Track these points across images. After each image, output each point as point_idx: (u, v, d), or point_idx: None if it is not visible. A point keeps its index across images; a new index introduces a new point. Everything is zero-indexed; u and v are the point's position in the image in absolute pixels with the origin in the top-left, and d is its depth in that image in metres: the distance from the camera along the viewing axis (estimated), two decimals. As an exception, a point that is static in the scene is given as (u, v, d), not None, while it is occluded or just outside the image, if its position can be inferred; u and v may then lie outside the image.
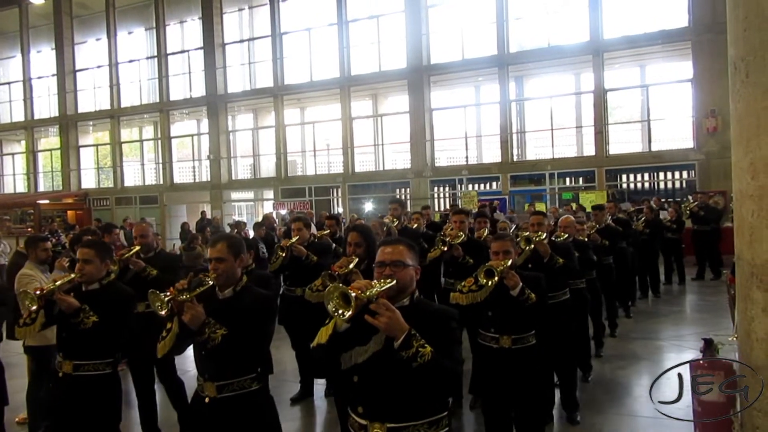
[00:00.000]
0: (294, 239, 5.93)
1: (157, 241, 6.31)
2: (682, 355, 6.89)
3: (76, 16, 25.54)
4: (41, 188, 27.10)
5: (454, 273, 6.07)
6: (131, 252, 5.23)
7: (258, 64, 22.82)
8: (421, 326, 2.33)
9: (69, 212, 24.63)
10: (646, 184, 18.14)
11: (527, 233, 5.17)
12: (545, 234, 5.27)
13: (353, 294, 2.25)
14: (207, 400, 3.04)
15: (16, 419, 5.63)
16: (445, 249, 5.88)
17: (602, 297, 7.63)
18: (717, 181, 15.65)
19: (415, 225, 7.81)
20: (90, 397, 3.66)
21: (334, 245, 7.08)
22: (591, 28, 17.48)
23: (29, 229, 21.05)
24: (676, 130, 19.07)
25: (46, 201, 24.73)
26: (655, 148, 18.05)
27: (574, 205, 15.75)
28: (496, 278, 4.00)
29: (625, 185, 18.30)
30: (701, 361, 3.99)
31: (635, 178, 18.17)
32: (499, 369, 3.95)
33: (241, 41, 23.27)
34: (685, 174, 17.28)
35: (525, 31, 19.30)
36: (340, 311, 2.28)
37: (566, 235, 5.90)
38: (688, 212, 12.23)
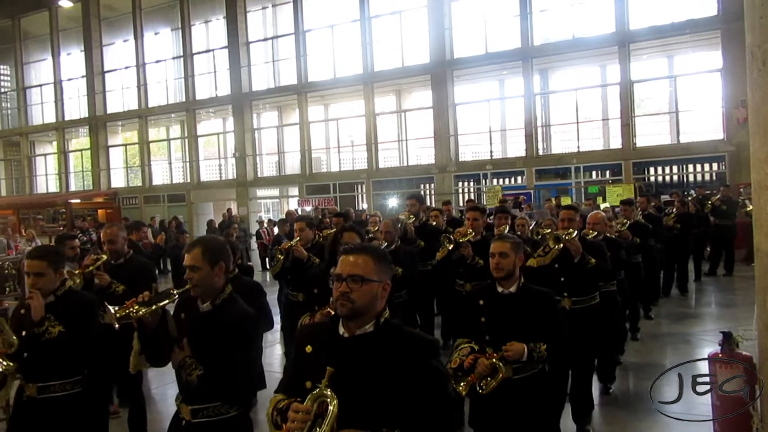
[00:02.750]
0: (295, 240, 5.55)
1: (147, 242, 6.00)
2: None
3: (104, 18, 25.98)
4: (72, 188, 27.65)
5: (464, 274, 5.71)
6: (96, 263, 4.73)
7: (282, 62, 22.95)
8: (389, 362, 1.99)
9: (99, 211, 25.06)
10: (675, 177, 17.81)
11: (549, 231, 4.93)
12: (576, 231, 4.83)
13: None
14: (183, 423, 2.78)
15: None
16: (451, 248, 5.58)
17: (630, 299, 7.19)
18: (748, 174, 15.17)
19: (434, 222, 7.38)
20: (59, 422, 3.27)
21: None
22: (617, 18, 17.19)
23: (61, 228, 21.46)
24: (705, 122, 18.71)
25: (77, 200, 25.20)
26: (683, 140, 17.72)
27: (600, 199, 15.56)
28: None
29: (653, 178, 17.99)
30: (720, 355, 3.91)
31: (663, 170, 17.84)
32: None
33: (265, 39, 23.42)
34: (714, 166, 16.92)
35: (549, 23, 19.05)
36: None
37: (595, 233, 5.48)
38: (710, 206, 11.94)
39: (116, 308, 2.69)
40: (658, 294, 9.68)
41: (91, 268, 4.65)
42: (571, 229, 4.79)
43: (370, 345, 2.04)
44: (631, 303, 7.61)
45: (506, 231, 5.99)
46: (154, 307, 2.69)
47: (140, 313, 2.65)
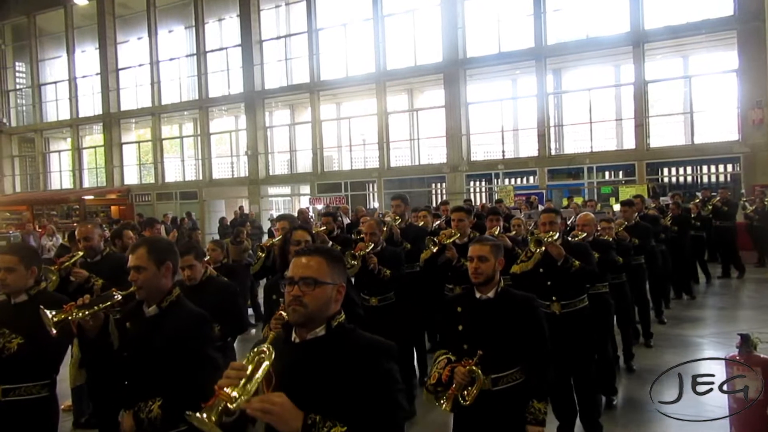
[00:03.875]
0: (277, 239, 5.34)
1: (131, 240, 5.82)
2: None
3: (119, 16, 26.14)
4: (86, 184, 27.84)
5: (452, 278, 5.57)
6: (72, 260, 4.61)
7: (294, 60, 22.99)
8: (340, 366, 1.90)
9: (112, 207, 25.26)
10: (689, 178, 17.68)
11: (537, 234, 4.75)
12: (558, 234, 4.68)
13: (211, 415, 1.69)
14: None
15: (62, 406, 5.70)
16: (435, 250, 5.46)
17: (633, 301, 6.98)
18: (763, 175, 15.16)
19: (422, 223, 7.13)
20: (21, 428, 3.08)
21: (331, 244, 6.36)
22: (631, 18, 17.08)
23: (74, 224, 21.62)
24: (720, 123, 18.52)
25: (91, 197, 25.41)
26: (698, 140, 17.54)
27: (612, 200, 15.41)
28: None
29: (666, 179, 17.87)
30: (737, 357, 3.87)
31: (677, 171, 17.72)
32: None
33: (278, 38, 23.46)
34: (729, 167, 16.78)
35: (563, 22, 18.95)
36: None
37: (584, 234, 5.39)
38: (710, 208, 11.80)
39: (53, 312, 2.51)
40: (669, 297, 9.43)
41: (66, 264, 4.52)
42: (551, 232, 4.63)
43: (320, 349, 1.95)
44: (641, 306, 7.46)
45: (497, 233, 5.79)
46: (95, 308, 2.53)
47: (79, 316, 2.47)
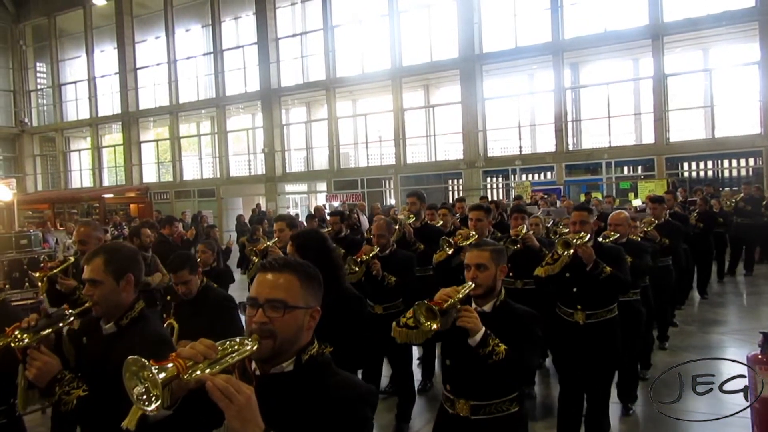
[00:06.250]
0: (272, 241, 5.19)
1: (149, 239, 5.60)
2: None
3: (137, 15, 26.37)
4: (106, 183, 28.16)
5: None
6: (62, 266, 4.24)
7: (310, 58, 23.03)
8: (309, 409, 1.58)
9: (131, 206, 25.48)
10: (709, 173, 17.45)
11: (565, 235, 4.37)
12: (589, 235, 4.19)
13: None
14: None
15: None
16: (450, 252, 5.01)
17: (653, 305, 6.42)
18: (786, 169, 14.92)
19: (440, 222, 6.63)
20: None
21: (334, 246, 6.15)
22: (650, 10, 16.87)
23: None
24: (741, 116, 18.21)
25: (111, 195, 25.67)
26: (718, 134, 17.28)
27: (631, 195, 15.23)
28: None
29: (686, 173, 17.64)
30: (759, 356, 3.80)
31: (697, 166, 17.50)
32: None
33: (294, 35, 23.51)
34: (751, 161, 16.52)
35: (580, 16, 18.74)
36: None
37: (616, 235, 4.89)
38: (732, 204, 11.55)
39: None
40: (684, 298, 9.10)
41: (55, 270, 4.16)
42: (582, 233, 4.15)
43: (285, 387, 1.61)
44: (660, 310, 6.88)
45: (524, 232, 5.37)
46: (42, 333, 2.19)
47: (24, 342, 2.13)
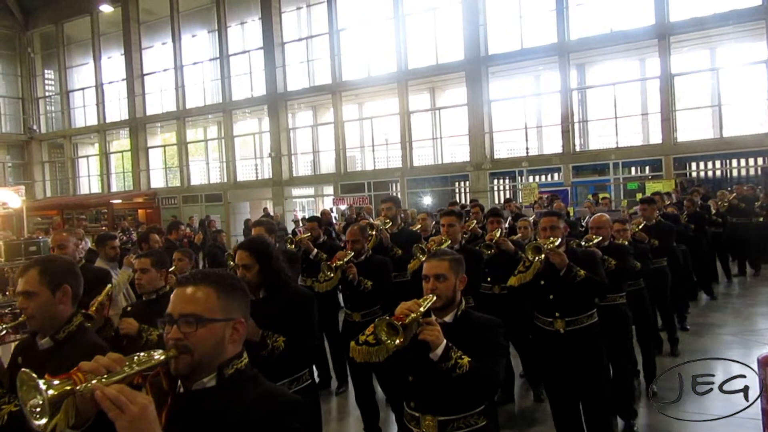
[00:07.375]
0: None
1: (157, 244, 5.56)
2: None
3: (143, 22, 26.51)
4: (114, 188, 28.27)
5: None
6: None
7: (316, 62, 23.07)
8: (233, 426, 1.53)
9: (140, 211, 25.59)
10: (718, 172, 17.35)
11: (536, 241, 4.28)
12: (560, 240, 4.11)
13: None
14: None
15: None
16: (424, 259, 4.94)
17: (654, 309, 6.43)
18: (795, 168, 14.81)
19: (419, 226, 6.58)
20: None
21: (316, 251, 6.11)
22: (656, 10, 16.81)
23: (103, 228, 21.96)
24: (749, 115, 18.10)
25: (119, 201, 25.78)
26: (726, 134, 17.18)
27: (639, 196, 15.11)
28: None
29: (694, 174, 17.55)
30: (770, 357, 3.76)
31: (705, 166, 17.40)
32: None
33: (300, 39, 23.56)
34: (759, 160, 16.42)
35: (586, 17, 18.70)
36: None
37: (599, 239, 4.88)
38: (726, 204, 11.42)
39: None
40: (691, 300, 8.98)
41: None
42: (552, 238, 4.08)
43: (205, 404, 1.56)
44: (665, 313, 6.92)
45: (498, 235, 5.29)
46: None
47: None
